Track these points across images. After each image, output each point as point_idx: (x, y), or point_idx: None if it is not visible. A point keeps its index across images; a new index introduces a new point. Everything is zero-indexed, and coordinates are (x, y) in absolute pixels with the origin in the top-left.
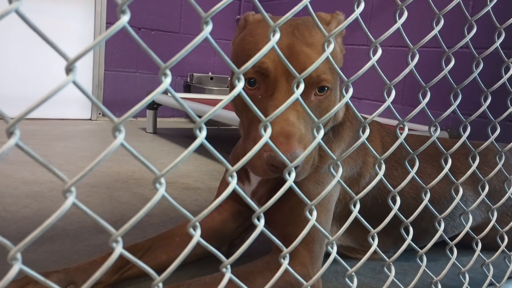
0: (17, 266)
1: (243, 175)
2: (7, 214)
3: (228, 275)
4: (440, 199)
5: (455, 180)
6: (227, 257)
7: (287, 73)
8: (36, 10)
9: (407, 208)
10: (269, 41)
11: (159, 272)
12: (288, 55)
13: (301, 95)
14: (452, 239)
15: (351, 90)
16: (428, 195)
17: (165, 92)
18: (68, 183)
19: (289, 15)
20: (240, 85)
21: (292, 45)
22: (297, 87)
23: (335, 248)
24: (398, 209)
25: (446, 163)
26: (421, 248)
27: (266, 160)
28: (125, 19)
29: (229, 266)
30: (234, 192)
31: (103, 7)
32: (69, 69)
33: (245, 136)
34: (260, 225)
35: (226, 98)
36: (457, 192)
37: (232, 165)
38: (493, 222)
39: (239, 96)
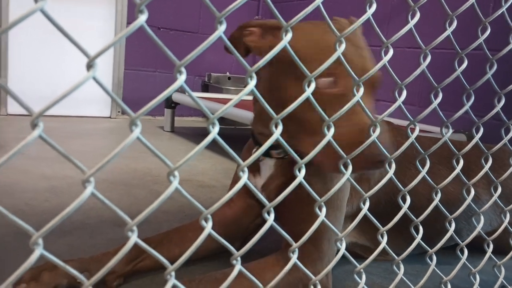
0: (38, 251)
1: (254, 168)
2: (27, 208)
3: (238, 266)
4: (455, 201)
5: (466, 181)
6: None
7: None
8: (58, 10)
9: (422, 209)
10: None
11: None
12: (353, 58)
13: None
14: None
15: (361, 90)
16: (439, 195)
17: (183, 90)
18: (87, 173)
19: (300, 15)
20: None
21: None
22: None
23: (343, 244)
24: (413, 210)
25: (457, 163)
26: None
27: (373, 157)
28: (143, 18)
29: (239, 258)
30: (245, 186)
31: (124, 6)
32: (89, 66)
33: (310, 134)
34: (270, 219)
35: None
36: (468, 193)
37: (244, 160)
38: (505, 223)
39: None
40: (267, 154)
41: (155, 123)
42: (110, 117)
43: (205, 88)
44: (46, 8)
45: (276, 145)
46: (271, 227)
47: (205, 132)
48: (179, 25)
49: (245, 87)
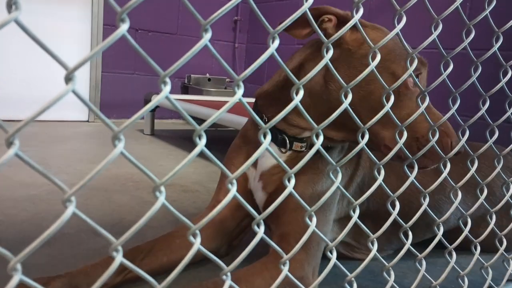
0: (17, 277)
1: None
2: (5, 217)
3: (228, 282)
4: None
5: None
6: (227, 258)
7: None
8: (32, 12)
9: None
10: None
11: (161, 274)
12: None
13: None
14: (447, 239)
15: (350, 96)
16: (428, 199)
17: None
18: (68, 192)
19: (288, 21)
20: (239, 92)
21: None
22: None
23: (334, 253)
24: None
25: (445, 167)
26: (418, 244)
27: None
28: (124, 27)
29: (229, 274)
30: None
31: (100, 8)
32: (68, 79)
33: (391, 129)
34: (260, 232)
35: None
36: (456, 196)
37: (242, 142)
38: (492, 225)
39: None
40: (279, 143)
41: (134, 126)
42: (88, 121)
43: (185, 90)
44: (21, 17)
45: (300, 138)
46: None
47: (186, 135)
48: (158, 27)
49: (225, 89)
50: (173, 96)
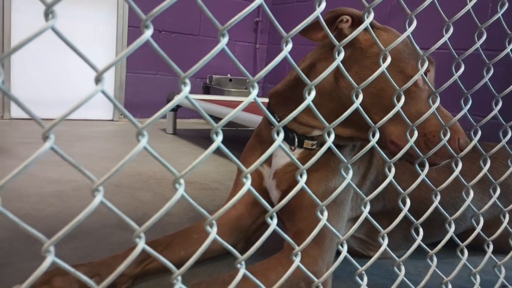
0: (50, 258)
1: (267, 158)
2: (34, 212)
3: (242, 270)
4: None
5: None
6: (243, 253)
7: None
8: (59, 13)
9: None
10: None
11: (178, 267)
12: None
13: None
14: (462, 239)
15: (361, 96)
16: (439, 197)
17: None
18: (97, 182)
19: (300, 26)
20: (254, 92)
21: None
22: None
23: (345, 247)
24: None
25: (456, 166)
26: (434, 243)
27: (462, 145)
28: (148, 33)
29: (243, 262)
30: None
31: (125, 10)
32: (98, 80)
33: (400, 125)
34: (273, 224)
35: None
36: (467, 194)
37: (256, 143)
38: (505, 224)
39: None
40: (291, 142)
41: (157, 125)
42: (112, 120)
43: (207, 90)
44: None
45: (311, 137)
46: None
47: (207, 134)
48: (180, 28)
49: (246, 89)
50: (195, 96)
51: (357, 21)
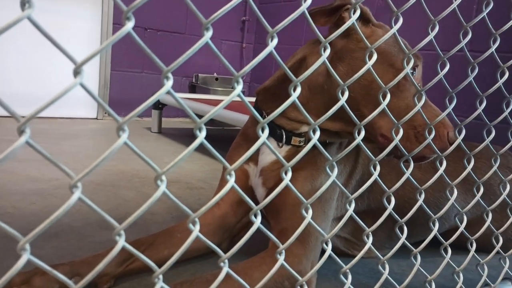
0: (25, 256)
1: (253, 156)
2: (14, 210)
3: (225, 269)
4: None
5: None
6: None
7: None
8: (43, 10)
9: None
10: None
11: (161, 267)
12: None
13: None
14: (445, 238)
15: (346, 93)
16: (423, 196)
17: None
18: (75, 178)
19: (285, 22)
20: (239, 88)
21: None
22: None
23: (330, 245)
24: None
25: (441, 164)
26: (418, 242)
27: (451, 138)
28: (129, 25)
29: (226, 261)
30: (235, 179)
31: (110, 8)
32: (76, 72)
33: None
34: (257, 222)
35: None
36: (451, 193)
37: (241, 144)
38: (488, 223)
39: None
40: (279, 138)
41: (142, 124)
42: (97, 118)
43: (192, 89)
44: (33, 13)
45: (299, 133)
46: (258, 228)
47: (192, 133)
48: (167, 26)
49: (232, 88)
50: (181, 95)
51: (362, 14)
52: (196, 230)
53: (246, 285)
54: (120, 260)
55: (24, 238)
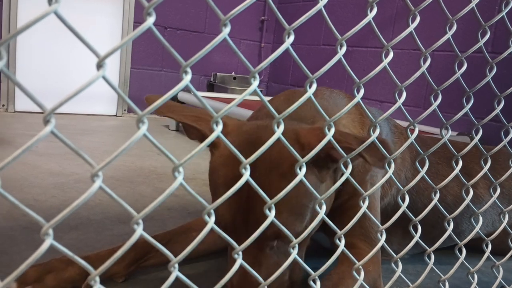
0: (48, 241)
1: None
2: (36, 203)
3: (239, 261)
4: (459, 202)
5: (465, 182)
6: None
7: None
8: (66, 6)
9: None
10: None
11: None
12: None
13: None
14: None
15: (362, 91)
16: (438, 195)
17: (189, 90)
18: (96, 167)
19: (302, 19)
20: (255, 83)
21: None
22: None
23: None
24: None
25: (457, 164)
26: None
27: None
28: (150, 20)
29: (240, 253)
30: None
31: (131, 5)
32: (99, 65)
33: None
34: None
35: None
36: (467, 193)
37: None
38: (504, 224)
39: None
40: None
41: (160, 122)
42: (116, 115)
43: (211, 87)
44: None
45: None
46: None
47: None
48: (186, 25)
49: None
50: (199, 94)
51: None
52: (211, 222)
53: None
54: (133, 259)
55: (48, 223)
